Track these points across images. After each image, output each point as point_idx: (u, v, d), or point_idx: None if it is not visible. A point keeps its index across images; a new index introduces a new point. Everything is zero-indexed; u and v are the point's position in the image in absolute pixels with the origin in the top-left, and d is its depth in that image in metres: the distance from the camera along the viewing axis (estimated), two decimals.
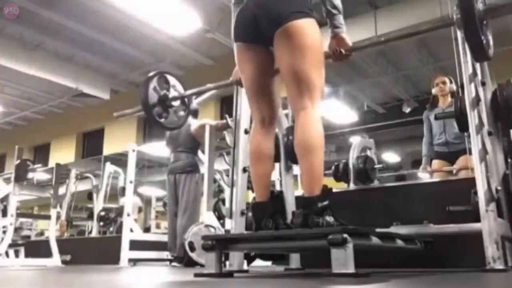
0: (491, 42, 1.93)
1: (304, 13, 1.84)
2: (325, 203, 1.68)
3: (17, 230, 8.84)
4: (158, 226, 8.83)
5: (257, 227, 1.84)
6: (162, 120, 2.57)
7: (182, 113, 2.71)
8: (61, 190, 7.08)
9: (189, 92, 2.70)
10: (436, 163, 3.92)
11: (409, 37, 2.42)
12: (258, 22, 1.89)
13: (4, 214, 5.24)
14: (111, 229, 7.77)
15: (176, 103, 2.65)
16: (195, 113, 4.60)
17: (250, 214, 2.25)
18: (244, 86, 2.07)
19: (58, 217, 7.04)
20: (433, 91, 4.03)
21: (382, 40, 2.48)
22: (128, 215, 4.47)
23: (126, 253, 4.26)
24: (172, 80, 2.63)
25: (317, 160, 1.74)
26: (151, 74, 2.59)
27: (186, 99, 2.73)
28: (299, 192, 1.82)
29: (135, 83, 11.22)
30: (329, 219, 1.65)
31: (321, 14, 2.03)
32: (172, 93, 2.61)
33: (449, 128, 3.80)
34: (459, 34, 2.08)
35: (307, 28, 1.84)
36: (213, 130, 4.22)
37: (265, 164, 1.96)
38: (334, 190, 1.77)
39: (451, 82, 3.96)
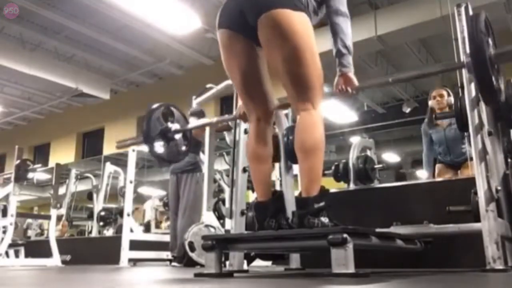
0: (502, 87, 1.90)
1: (295, 5, 1.72)
2: (321, 204, 1.67)
3: (25, 230, 8.86)
4: (157, 226, 8.85)
5: (260, 227, 1.84)
6: (162, 152, 2.51)
7: (183, 148, 2.63)
8: (61, 190, 7.09)
9: (191, 126, 2.67)
10: (439, 166, 3.91)
11: (416, 78, 2.36)
12: (243, 9, 1.80)
13: (4, 214, 5.23)
14: (110, 230, 7.78)
15: (178, 136, 2.59)
16: (200, 114, 4.58)
17: (251, 214, 2.25)
18: (234, 84, 1.97)
19: (59, 218, 7.06)
20: (430, 103, 3.81)
21: (389, 81, 2.37)
22: (128, 215, 4.47)
23: (126, 253, 4.26)
24: (176, 113, 2.59)
25: (317, 161, 1.72)
26: (155, 106, 2.54)
27: (188, 134, 2.66)
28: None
29: (135, 83, 11.24)
30: (324, 220, 1.64)
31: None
32: (175, 127, 2.55)
33: (455, 149, 3.76)
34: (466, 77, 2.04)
35: (295, 17, 1.71)
36: (212, 130, 4.22)
37: (264, 163, 1.93)
38: (334, 190, 1.77)
39: (449, 95, 3.75)
